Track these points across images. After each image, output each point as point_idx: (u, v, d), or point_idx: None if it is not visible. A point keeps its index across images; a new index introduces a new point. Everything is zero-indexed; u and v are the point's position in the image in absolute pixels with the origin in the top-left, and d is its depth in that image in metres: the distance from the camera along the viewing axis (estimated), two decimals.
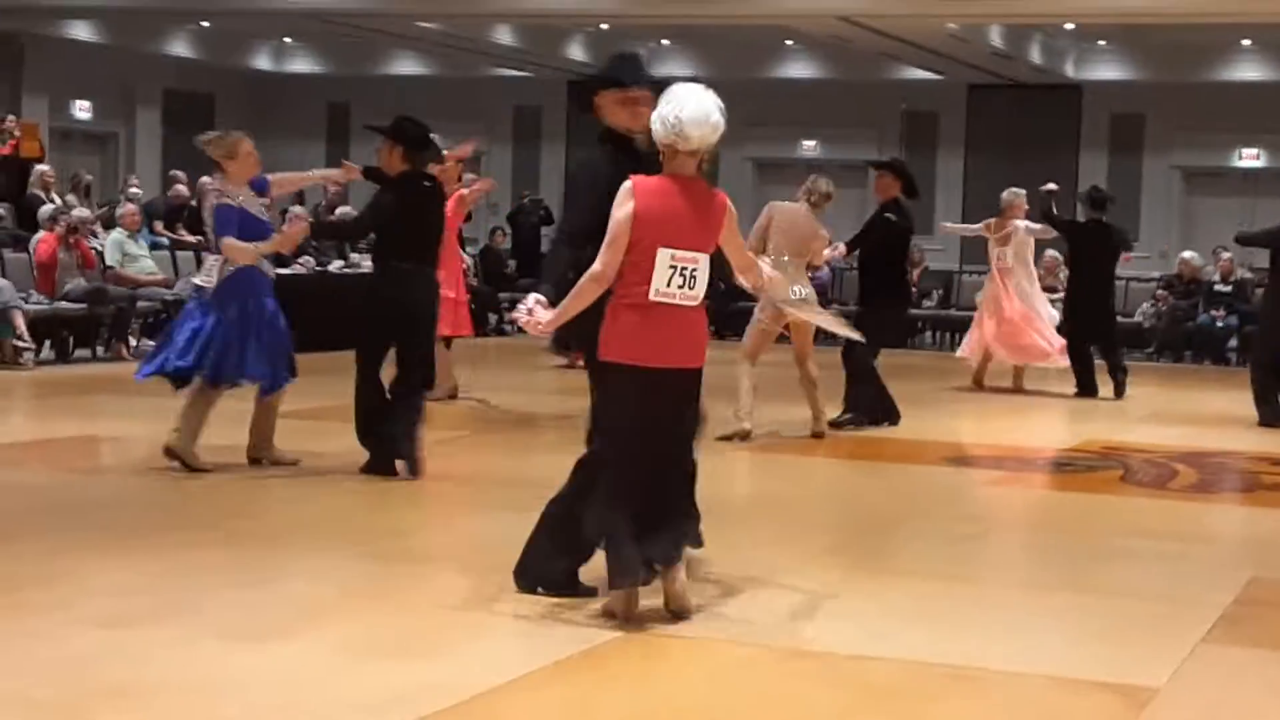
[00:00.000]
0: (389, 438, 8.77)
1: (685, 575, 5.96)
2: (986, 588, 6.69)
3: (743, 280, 6.34)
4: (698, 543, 6.07)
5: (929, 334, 22.02)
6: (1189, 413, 13.92)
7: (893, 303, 12.13)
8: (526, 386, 14.22)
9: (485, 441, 10.71)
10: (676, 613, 5.87)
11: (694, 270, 5.82)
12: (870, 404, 11.86)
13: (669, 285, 5.79)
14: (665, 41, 27.28)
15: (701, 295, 5.87)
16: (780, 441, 11.07)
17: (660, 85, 6.02)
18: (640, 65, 6.48)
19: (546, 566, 6.17)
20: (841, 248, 11.92)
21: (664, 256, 5.77)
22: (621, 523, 5.81)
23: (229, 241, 8.83)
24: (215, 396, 8.91)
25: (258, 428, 9.24)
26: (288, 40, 28.23)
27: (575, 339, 7.47)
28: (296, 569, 6.55)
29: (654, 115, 5.84)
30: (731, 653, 5.55)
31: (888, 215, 11.91)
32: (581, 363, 8.04)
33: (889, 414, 11.91)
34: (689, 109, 5.83)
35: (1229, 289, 20.27)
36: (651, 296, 5.78)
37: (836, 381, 11.72)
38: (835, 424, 11.54)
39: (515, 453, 10.15)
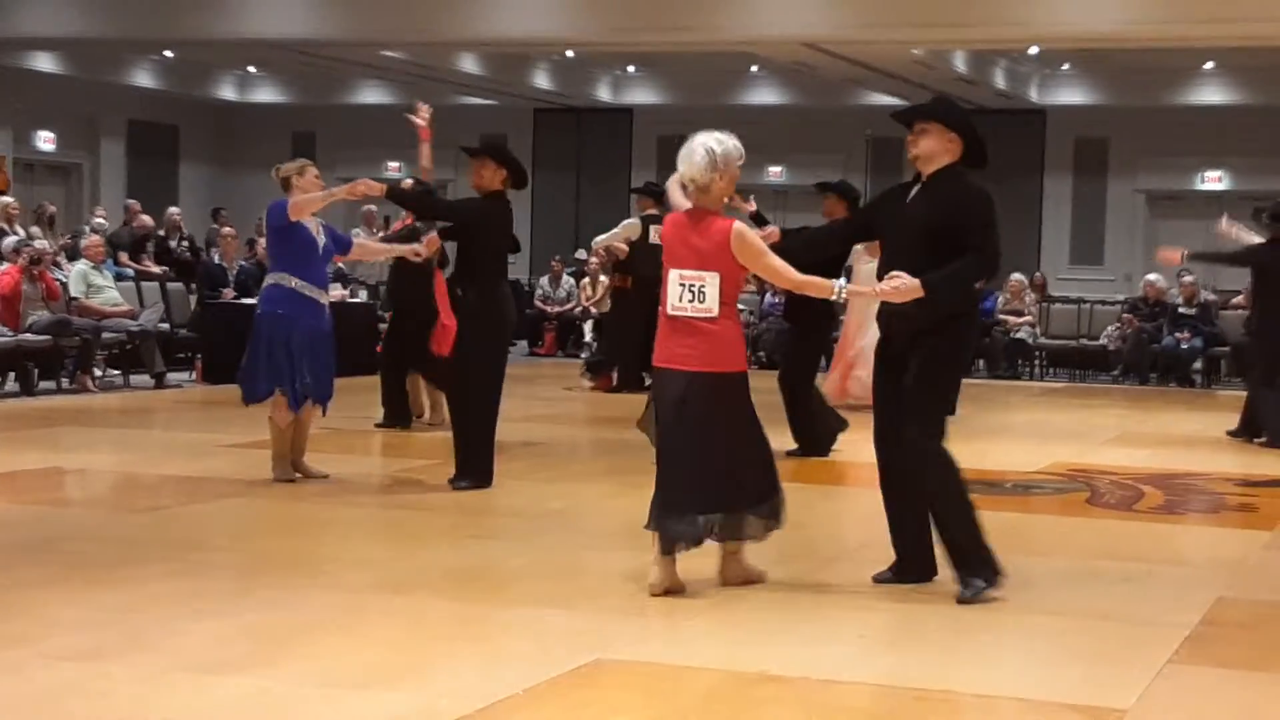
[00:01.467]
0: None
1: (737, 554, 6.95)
2: (955, 611, 6.68)
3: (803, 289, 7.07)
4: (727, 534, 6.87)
5: None
6: (1155, 434, 13.97)
7: (819, 324, 11.69)
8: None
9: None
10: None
11: (701, 286, 6.69)
12: (810, 430, 11.60)
13: (680, 300, 6.72)
14: (631, 69, 27.38)
15: (714, 308, 6.69)
16: None
17: None
18: None
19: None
20: (775, 230, 11.55)
21: (674, 276, 6.77)
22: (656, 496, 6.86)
23: (295, 201, 9.42)
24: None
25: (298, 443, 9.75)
26: (252, 70, 28.22)
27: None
28: (263, 600, 6.51)
29: None
30: (702, 678, 5.54)
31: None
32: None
33: (817, 443, 11.59)
34: (684, 148, 6.90)
35: (1193, 311, 20.38)
36: (669, 311, 6.78)
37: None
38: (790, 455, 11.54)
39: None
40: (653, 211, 16.27)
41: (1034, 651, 6.11)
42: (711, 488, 6.78)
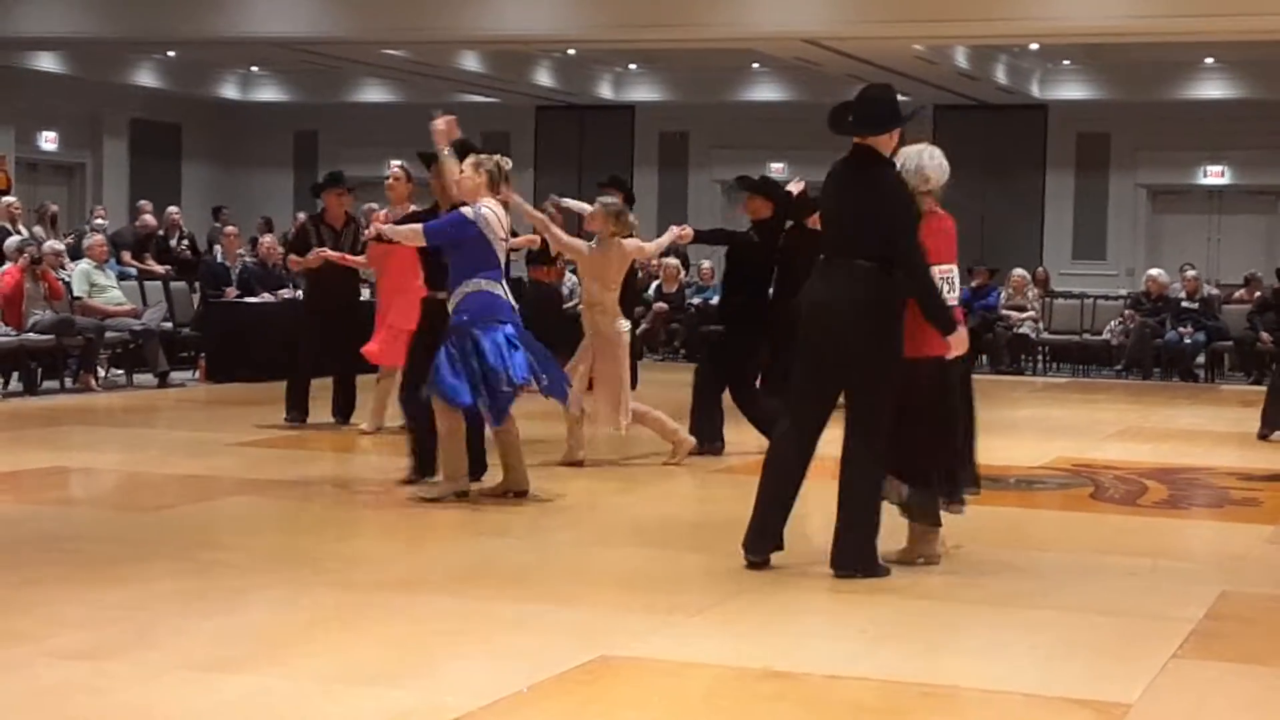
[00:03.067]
0: None
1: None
2: (960, 606, 6.69)
3: None
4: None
5: None
6: (1158, 429, 13.97)
7: (751, 328, 11.27)
8: None
9: None
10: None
11: (952, 278, 7.33)
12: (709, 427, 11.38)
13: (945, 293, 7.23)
14: (633, 66, 27.37)
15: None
16: (740, 462, 11.08)
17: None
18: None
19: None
20: (689, 230, 11.39)
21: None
22: None
23: None
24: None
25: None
26: (254, 69, 28.22)
27: None
28: (267, 598, 6.52)
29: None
30: (706, 674, 5.55)
31: (749, 233, 11.43)
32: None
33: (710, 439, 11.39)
34: (929, 159, 7.42)
35: (1195, 306, 20.38)
36: None
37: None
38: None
39: (488, 478, 10.12)
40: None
41: (1038, 646, 6.10)
42: None
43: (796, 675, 5.52)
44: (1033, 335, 21.01)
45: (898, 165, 7.27)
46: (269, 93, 29.11)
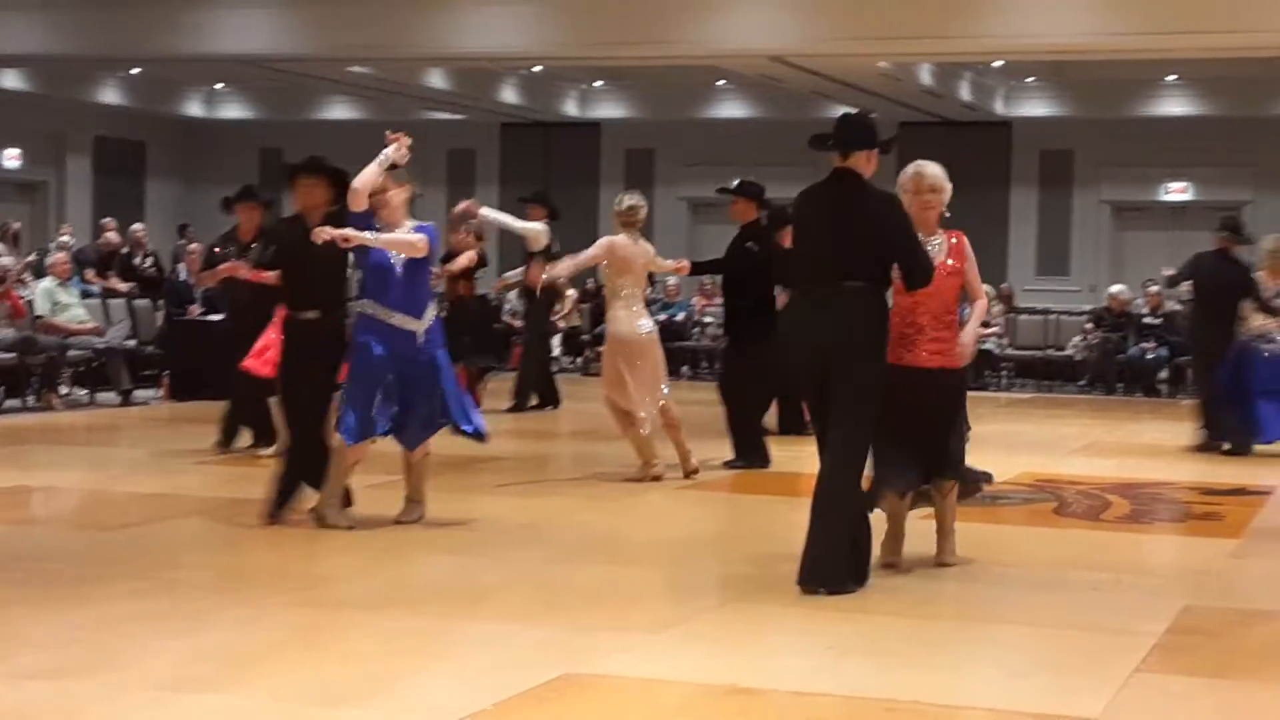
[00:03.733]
0: None
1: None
2: (925, 621, 6.71)
3: None
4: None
5: None
6: (1121, 444, 14.04)
7: (763, 341, 11.21)
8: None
9: None
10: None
11: None
12: (753, 444, 11.58)
13: None
14: (599, 83, 27.41)
15: None
16: (710, 478, 11.10)
17: None
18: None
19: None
20: (686, 264, 11.41)
21: None
22: None
23: None
24: None
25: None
26: (219, 87, 28.16)
27: None
28: (230, 618, 6.50)
29: None
30: (671, 691, 5.55)
31: (749, 245, 11.48)
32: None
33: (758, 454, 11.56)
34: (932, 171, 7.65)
35: (1158, 321, 20.51)
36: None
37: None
38: (729, 465, 11.57)
39: (453, 496, 10.11)
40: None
41: (1002, 661, 6.13)
42: None
43: (762, 692, 5.53)
44: (997, 351, 21.09)
45: (943, 179, 7.61)
46: (234, 110, 29.04)
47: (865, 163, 7.31)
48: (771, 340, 11.57)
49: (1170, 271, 14.95)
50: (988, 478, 8.19)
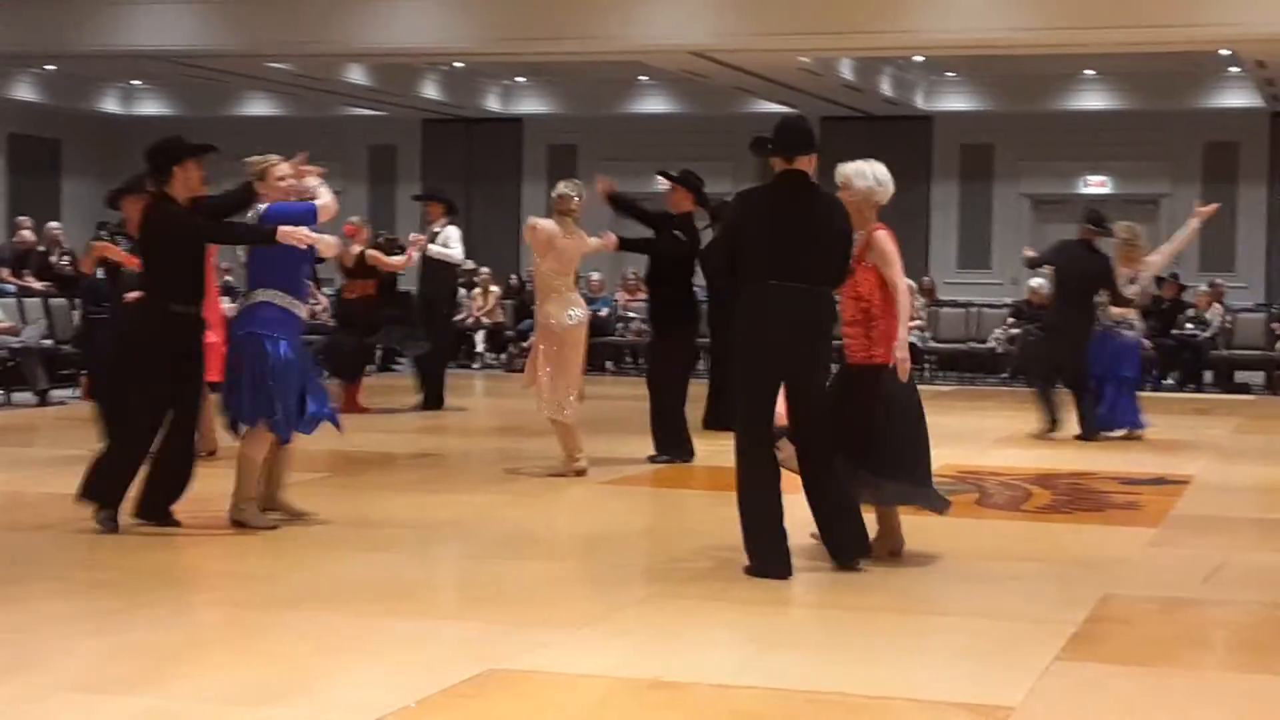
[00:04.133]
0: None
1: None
2: (848, 613, 6.74)
3: None
4: None
5: None
6: (1043, 435, 14.13)
7: (684, 329, 11.68)
8: (385, 426, 14.13)
9: (345, 483, 10.62)
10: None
11: None
12: (677, 438, 11.54)
13: None
14: (520, 78, 27.35)
15: None
16: (636, 473, 11.12)
17: None
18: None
19: None
20: (612, 237, 11.34)
21: None
22: None
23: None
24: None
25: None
26: (136, 83, 27.88)
27: None
28: (153, 618, 6.44)
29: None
30: (594, 686, 5.55)
31: (676, 233, 11.55)
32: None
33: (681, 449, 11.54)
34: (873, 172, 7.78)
35: None
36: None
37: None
38: (653, 459, 11.52)
39: (376, 493, 10.08)
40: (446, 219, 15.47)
41: (924, 651, 6.17)
42: None
43: (685, 685, 5.54)
44: (919, 344, 21.20)
45: (869, 180, 7.68)
46: (152, 106, 28.76)
47: (809, 165, 7.47)
48: (692, 328, 11.78)
49: (1031, 253, 15.14)
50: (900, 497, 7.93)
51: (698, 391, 12.44)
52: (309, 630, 6.25)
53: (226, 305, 18.25)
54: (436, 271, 15.39)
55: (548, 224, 10.69)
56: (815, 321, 7.36)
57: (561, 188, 10.84)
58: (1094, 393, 13.63)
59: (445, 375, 15.90)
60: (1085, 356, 13.57)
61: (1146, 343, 13.72)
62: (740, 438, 7.38)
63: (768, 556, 7.27)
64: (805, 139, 7.52)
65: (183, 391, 8.45)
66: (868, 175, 7.75)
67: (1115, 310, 13.66)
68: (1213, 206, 14.72)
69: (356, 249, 14.69)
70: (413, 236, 15.46)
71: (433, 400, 15.50)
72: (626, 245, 11.72)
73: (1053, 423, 13.70)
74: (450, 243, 15.36)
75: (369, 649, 5.99)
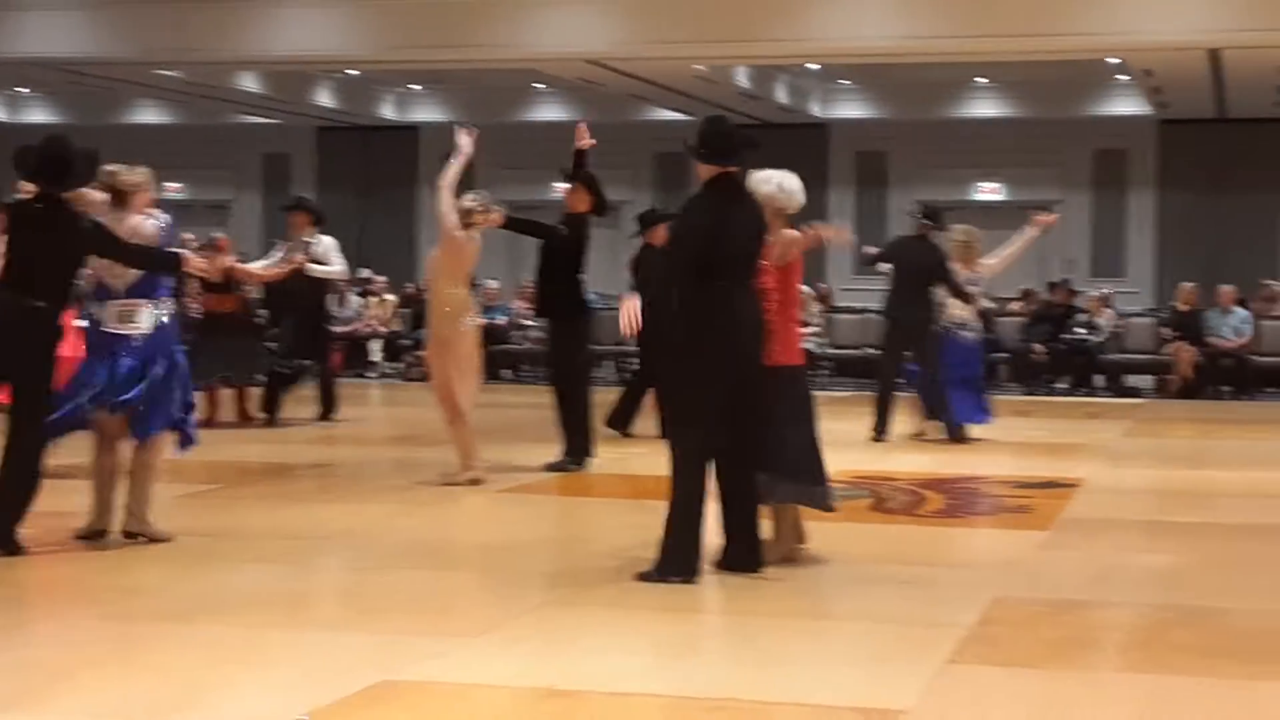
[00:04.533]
0: None
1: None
2: (743, 619, 6.76)
3: None
4: None
5: None
6: (937, 440, 14.24)
7: (576, 317, 11.70)
8: (281, 438, 14.00)
9: (238, 494, 10.51)
10: None
11: None
12: (582, 441, 11.48)
13: None
14: (416, 86, 27.23)
15: None
16: (533, 480, 11.09)
17: None
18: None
19: None
20: (497, 215, 11.22)
21: None
22: None
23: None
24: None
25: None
26: (23, 90, 27.44)
27: None
28: (37, 634, 6.35)
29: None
30: (490, 696, 5.52)
31: (559, 226, 11.64)
32: None
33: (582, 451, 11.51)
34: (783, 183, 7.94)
35: None
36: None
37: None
38: (553, 467, 11.43)
39: (269, 504, 9.99)
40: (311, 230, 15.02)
41: (819, 655, 6.19)
42: None
43: (580, 694, 5.53)
44: (816, 350, 21.32)
45: (771, 186, 7.82)
46: (39, 114, 28.29)
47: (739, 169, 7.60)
48: (586, 319, 11.75)
49: (870, 250, 15.37)
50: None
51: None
52: (199, 643, 6.17)
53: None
54: (308, 285, 14.82)
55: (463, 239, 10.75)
56: (764, 322, 7.52)
57: (468, 200, 10.86)
58: (941, 393, 13.70)
59: (336, 385, 15.65)
60: (925, 347, 13.69)
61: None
62: (686, 439, 7.36)
63: (693, 560, 7.31)
64: (739, 142, 7.61)
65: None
66: (771, 181, 7.84)
67: (955, 311, 13.82)
68: (1052, 217, 14.97)
69: (226, 261, 14.49)
70: (288, 253, 14.82)
71: (330, 409, 15.29)
72: (512, 224, 11.66)
73: (882, 428, 13.79)
74: (330, 257, 14.91)
75: (260, 661, 5.93)
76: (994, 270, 14.78)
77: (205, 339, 14.68)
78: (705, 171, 7.55)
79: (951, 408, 13.73)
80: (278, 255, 14.61)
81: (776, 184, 7.86)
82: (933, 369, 13.68)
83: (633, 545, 8.37)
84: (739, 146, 7.59)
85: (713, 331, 7.34)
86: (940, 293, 13.87)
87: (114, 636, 6.35)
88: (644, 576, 7.30)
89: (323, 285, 15.26)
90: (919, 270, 13.78)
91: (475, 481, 10.63)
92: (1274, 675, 5.91)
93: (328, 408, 15.24)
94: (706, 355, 7.32)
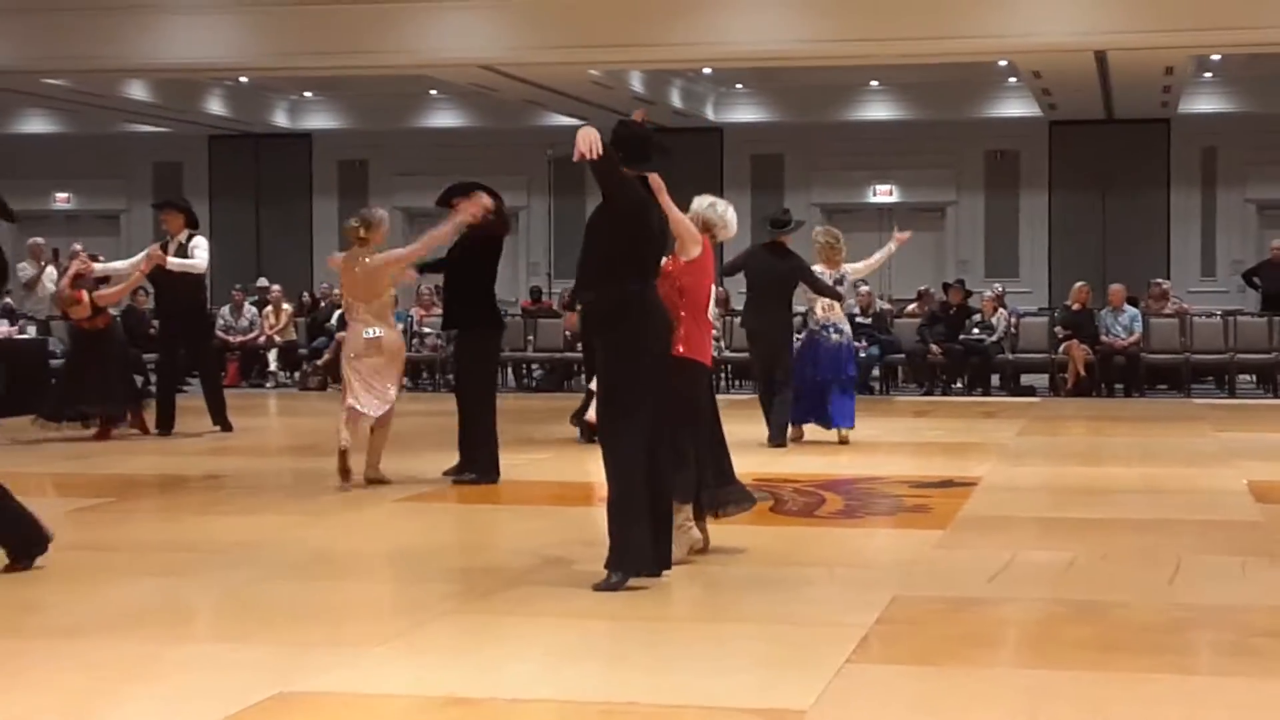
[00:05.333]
0: None
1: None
2: (642, 623, 6.74)
3: None
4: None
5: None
6: (835, 441, 14.33)
7: (491, 328, 11.49)
8: (174, 449, 13.83)
9: (130, 508, 10.37)
10: None
11: None
12: (488, 457, 11.19)
13: None
14: (308, 94, 27.06)
15: None
16: (434, 490, 11.03)
17: None
18: None
19: None
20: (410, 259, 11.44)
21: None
22: None
23: None
24: None
25: None
26: None
27: None
28: None
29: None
30: (389, 706, 5.47)
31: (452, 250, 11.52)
32: None
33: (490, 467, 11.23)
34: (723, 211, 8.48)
35: (869, 320, 21.02)
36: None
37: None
38: (457, 480, 11.22)
39: (162, 517, 9.86)
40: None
41: (718, 658, 6.18)
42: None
43: (479, 701, 5.49)
44: (716, 355, 21.35)
45: (707, 207, 8.31)
46: None
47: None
48: (496, 331, 11.63)
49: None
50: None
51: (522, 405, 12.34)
52: (89, 659, 6.07)
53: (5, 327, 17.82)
54: (180, 285, 14.67)
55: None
56: (671, 321, 7.63)
57: (352, 220, 11.27)
58: (791, 399, 13.67)
59: (224, 394, 15.43)
60: (790, 355, 13.72)
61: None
62: (633, 433, 7.28)
63: (647, 552, 7.30)
64: (653, 147, 7.64)
65: None
66: (717, 207, 8.40)
67: (820, 312, 13.88)
68: (908, 234, 14.94)
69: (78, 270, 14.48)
70: (149, 253, 14.67)
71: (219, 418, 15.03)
72: (426, 268, 11.86)
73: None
74: (195, 253, 14.66)
75: (153, 676, 5.84)
76: (858, 273, 14.91)
77: (77, 363, 14.46)
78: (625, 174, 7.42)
79: (786, 412, 13.66)
80: (139, 256, 14.54)
81: (720, 212, 8.34)
82: (788, 376, 13.63)
83: (532, 551, 8.37)
84: (653, 151, 7.59)
85: (658, 328, 7.39)
86: (810, 297, 13.82)
87: (6, 653, 6.22)
88: (603, 587, 7.21)
89: (198, 288, 15.07)
90: (772, 279, 13.68)
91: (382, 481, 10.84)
92: (1166, 668, 5.98)
93: (216, 417, 14.96)
94: (648, 353, 7.31)
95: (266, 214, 27.73)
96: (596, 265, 7.44)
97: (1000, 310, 21.34)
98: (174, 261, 14.44)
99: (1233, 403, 19.63)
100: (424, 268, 11.84)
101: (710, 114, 26.11)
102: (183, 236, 14.69)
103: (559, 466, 12.49)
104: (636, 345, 7.31)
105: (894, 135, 26.01)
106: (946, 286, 22.40)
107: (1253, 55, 22.50)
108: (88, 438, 14.26)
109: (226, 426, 14.91)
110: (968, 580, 7.72)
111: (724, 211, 8.42)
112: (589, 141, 7.10)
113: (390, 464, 11.13)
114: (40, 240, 21.48)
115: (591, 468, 12.19)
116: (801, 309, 14.62)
